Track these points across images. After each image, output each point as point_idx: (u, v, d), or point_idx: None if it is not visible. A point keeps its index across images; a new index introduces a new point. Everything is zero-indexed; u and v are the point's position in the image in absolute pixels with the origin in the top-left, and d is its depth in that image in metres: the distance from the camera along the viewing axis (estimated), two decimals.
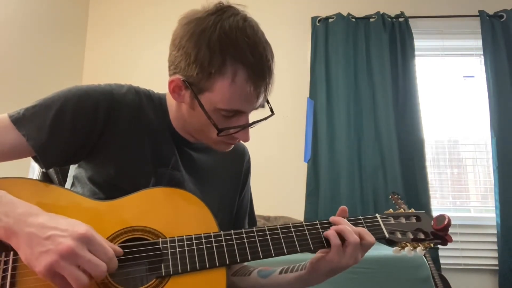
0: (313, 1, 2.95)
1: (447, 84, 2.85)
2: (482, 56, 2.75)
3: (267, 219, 2.39)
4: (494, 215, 2.52)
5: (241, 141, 0.82)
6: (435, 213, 2.46)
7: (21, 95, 2.23)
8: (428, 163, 2.64)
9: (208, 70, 0.72)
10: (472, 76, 2.86)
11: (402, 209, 0.91)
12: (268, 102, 0.82)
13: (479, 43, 2.75)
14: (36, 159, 0.78)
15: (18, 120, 0.74)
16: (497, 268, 2.46)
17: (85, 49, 3.02)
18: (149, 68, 2.87)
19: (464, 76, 2.88)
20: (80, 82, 2.92)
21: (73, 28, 2.92)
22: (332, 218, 0.81)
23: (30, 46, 2.41)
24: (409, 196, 2.49)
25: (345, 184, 2.55)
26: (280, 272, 0.87)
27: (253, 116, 0.81)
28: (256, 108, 0.79)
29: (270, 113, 0.81)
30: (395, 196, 2.27)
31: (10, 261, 0.62)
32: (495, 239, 2.50)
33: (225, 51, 0.71)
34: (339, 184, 2.56)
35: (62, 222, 0.61)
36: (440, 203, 2.74)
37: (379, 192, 2.54)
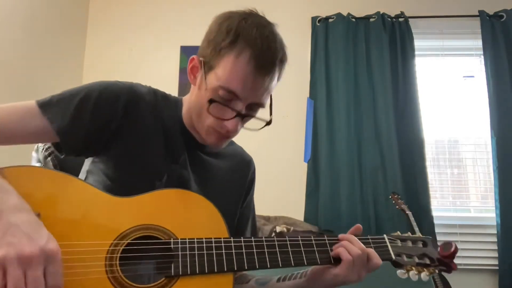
0: (313, 1, 2.95)
1: (447, 84, 2.85)
2: (482, 56, 2.75)
3: (267, 219, 2.39)
4: (494, 215, 2.52)
5: (228, 131, 0.80)
6: (435, 213, 2.48)
7: (22, 95, 2.22)
8: (428, 163, 2.63)
9: (220, 46, 0.78)
10: (472, 76, 2.86)
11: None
12: (271, 112, 0.85)
13: (479, 43, 2.75)
14: (56, 147, 0.82)
15: (44, 105, 0.79)
16: (497, 268, 2.45)
17: (85, 49, 3.02)
18: (149, 68, 2.87)
19: (464, 76, 2.87)
20: (80, 81, 2.92)
21: (73, 28, 2.92)
22: (341, 236, 0.82)
23: (30, 45, 2.41)
24: (409, 196, 2.48)
25: (345, 184, 2.55)
26: (278, 280, 0.88)
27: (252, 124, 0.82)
28: (253, 105, 0.80)
29: (267, 119, 0.83)
30: (395, 196, 2.27)
31: None
32: (495, 239, 2.49)
33: (240, 34, 0.77)
34: (339, 184, 2.56)
35: (45, 231, 0.60)
36: (440, 203, 2.74)
37: (379, 192, 2.53)
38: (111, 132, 0.81)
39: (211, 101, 0.78)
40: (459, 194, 2.80)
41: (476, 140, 2.82)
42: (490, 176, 2.65)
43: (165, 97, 0.91)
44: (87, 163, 0.88)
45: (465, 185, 2.83)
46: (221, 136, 0.83)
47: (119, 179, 0.81)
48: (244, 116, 0.80)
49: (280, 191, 2.65)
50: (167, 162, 0.85)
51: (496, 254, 2.48)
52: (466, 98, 2.83)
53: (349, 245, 0.78)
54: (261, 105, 0.82)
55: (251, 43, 0.76)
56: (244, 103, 0.79)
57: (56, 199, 0.69)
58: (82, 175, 0.88)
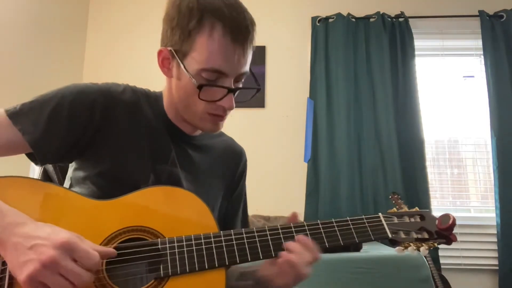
0: (313, 1, 2.95)
1: (447, 84, 2.85)
2: (482, 56, 2.75)
3: (267, 219, 2.39)
4: (494, 215, 2.52)
5: (225, 109, 0.77)
6: (435, 213, 2.47)
7: (22, 95, 2.21)
8: (428, 163, 2.64)
9: (187, 29, 0.73)
10: (472, 76, 2.86)
11: (404, 209, 0.89)
12: (256, 80, 0.82)
13: (479, 43, 2.75)
14: (29, 156, 0.77)
15: (15, 115, 0.74)
16: (497, 268, 2.46)
17: (85, 49, 3.02)
18: (149, 68, 2.87)
19: (464, 76, 2.88)
20: (80, 81, 2.92)
21: (73, 28, 2.92)
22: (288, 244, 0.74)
23: (30, 46, 2.41)
24: (409, 196, 2.49)
25: (345, 184, 2.55)
26: (239, 276, 0.84)
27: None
28: (239, 76, 0.77)
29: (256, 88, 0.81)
30: (395, 196, 2.26)
31: (7, 272, 0.61)
32: (495, 239, 2.50)
33: (203, 9, 0.73)
34: (339, 184, 2.56)
35: (46, 230, 0.60)
36: (440, 203, 2.74)
37: (379, 192, 2.54)
38: (89, 139, 0.78)
39: (200, 87, 0.74)
40: (459, 194, 2.80)
41: (476, 140, 2.82)
42: (490, 176, 2.66)
43: (145, 94, 0.87)
44: (70, 169, 0.84)
45: (465, 185, 2.83)
46: (217, 118, 0.80)
47: (103, 183, 0.78)
48: (236, 91, 0.77)
49: (280, 191, 2.66)
50: (152, 163, 0.82)
51: (496, 254, 2.48)
52: (466, 98, 2.83)
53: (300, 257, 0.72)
54: (247, 73, 0.79)
55: (219, 15, 0.72)
56: (231, 77, 0.75)
57: (36, 208, 0.67)
58: (66, 182, 0.85)
